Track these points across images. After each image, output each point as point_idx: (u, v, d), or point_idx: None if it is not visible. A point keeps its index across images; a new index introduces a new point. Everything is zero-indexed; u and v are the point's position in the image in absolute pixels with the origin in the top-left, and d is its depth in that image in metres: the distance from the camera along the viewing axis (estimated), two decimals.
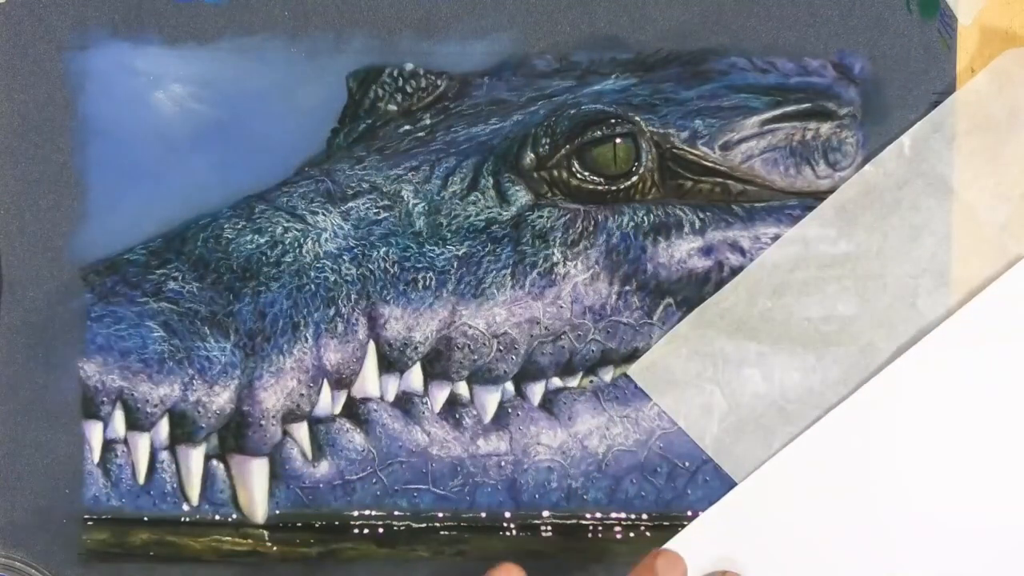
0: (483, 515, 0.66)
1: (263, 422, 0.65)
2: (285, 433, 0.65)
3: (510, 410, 0.66)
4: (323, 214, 0.65)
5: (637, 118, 0.65)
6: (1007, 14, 0.66)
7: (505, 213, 0.66)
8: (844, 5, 0.65)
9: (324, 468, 0.65)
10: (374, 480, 0.66)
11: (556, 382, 0.66)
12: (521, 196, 0.65)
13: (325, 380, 0.65)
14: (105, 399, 0.64)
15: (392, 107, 0.67)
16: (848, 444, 0.65)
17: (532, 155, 0.65)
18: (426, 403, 0.66)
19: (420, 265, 0.65)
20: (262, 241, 0.65)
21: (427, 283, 0.65)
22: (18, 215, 0.64)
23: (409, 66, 0.66)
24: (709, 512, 0.66)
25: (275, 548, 0.66)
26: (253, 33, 0.64)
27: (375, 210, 0.65)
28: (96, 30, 0.64)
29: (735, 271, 0.66)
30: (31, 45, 0.64)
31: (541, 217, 0.65)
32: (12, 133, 0.64)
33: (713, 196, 0.66)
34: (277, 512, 0.66)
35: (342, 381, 0.65)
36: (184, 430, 0.65)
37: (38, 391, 0.65)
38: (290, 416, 0.65)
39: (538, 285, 0.66)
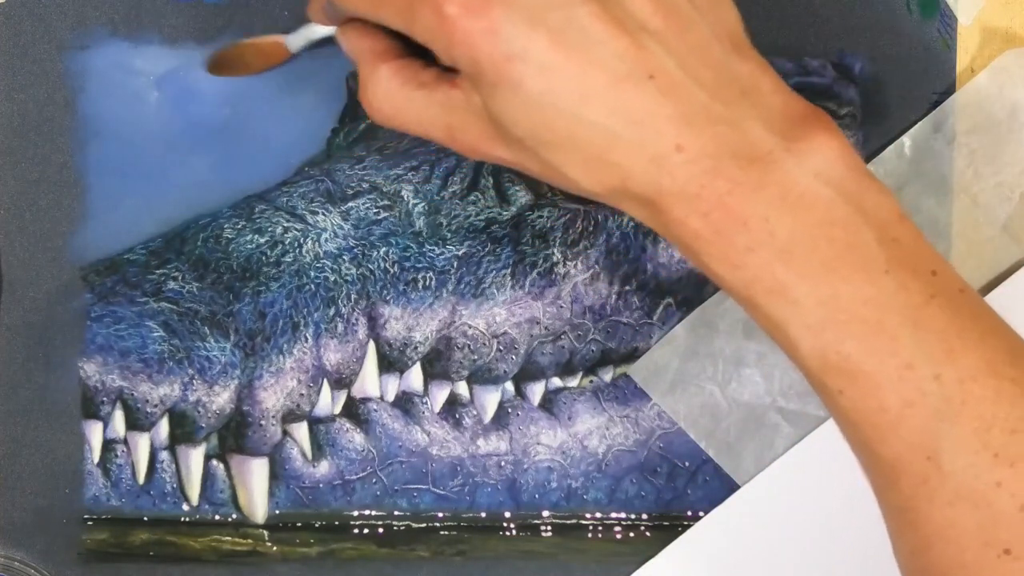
0: (483, 515, 0.66)
1: (263, 422, 0.65)
2: (285, 433, 0.65)
3: (510, 410, 0.66)
4: (323, 214, 0.65)
5: None
6: (1007, 14, 0.66)
7: (505, 213, 0.66)
8: (844, 5, 0.65)
9: (324, 468, 0.66)
10: (374, 480, 0.66)
11: (556, 382, 0.66)
12: (521, 196, 0.65)
13: (325, 380, 0.65)
14: (105, 399, 0.64)
15: None
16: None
17: None
18: (426, 403, 0.66)
19: (420, 265, 0.65)
20: (262, 241, 0.65)
21: (427, 283, 0.65)
22: (18, 215, 0.64)
23: None
24: (711, 515, 0.66)
25: (275, 548, 0.66)
26: (253, 33, 0.64)
27: (375, 210, 0.65)
28: (96, 30, 0.64)
29: None
30: (31, 45, 0.64)
31: (541, 217, 0.65)
32: (12, 133, 0.64)
33: None
34: (277, 512, 0.66)
35: (342, 381, 0.65)
36: (184, 430, 0.65)
37: (38, 391, 0.65)
38: (290, 416, 0.65)
39: (538, 285, 0.66)
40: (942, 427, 0.48)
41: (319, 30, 0.60)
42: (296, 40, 0.62)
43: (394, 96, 0.54)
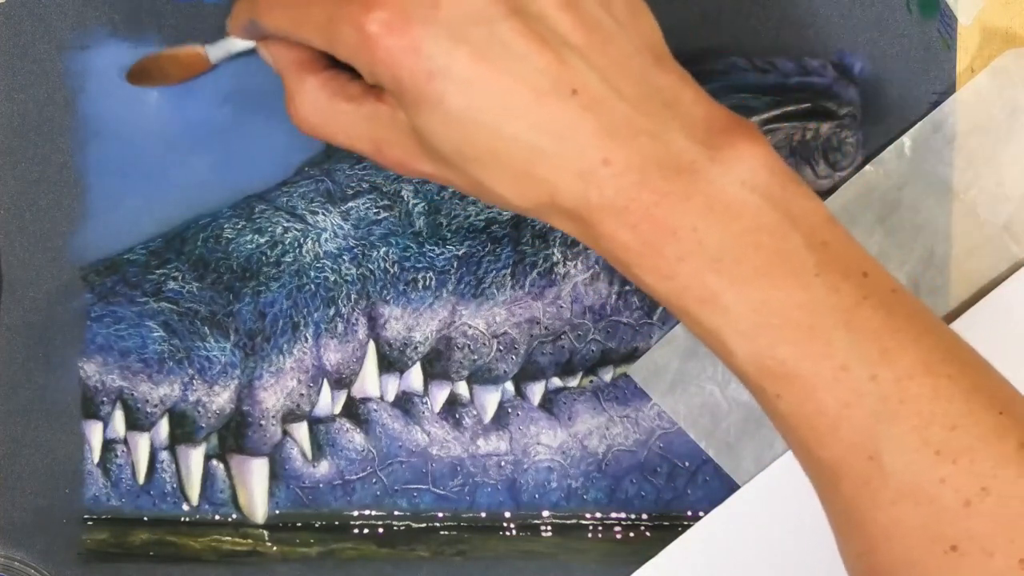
0: (483, 515, 0.66)
1: (263, 422, 0.65)
2: (285, 433, 0.65)
3: (510, 410, 0.66)
4: (323, 214, 0.65)
5: None
6: (1007, 14, 0.66)
7: (505, 213, 0.66)
8: (844, 5, 0.65)
9: (324, 468, 0.66)
10: (374, 480, 0.66)
11: (556, 382, 0.66)
12: None
13: (325, 380, 0.65)
14: (105, 399, 0.64)
15: None
16: None
17: None
18: (426, 403, 0.66)
19: (420, 265, 0.65)
20: (262, 241, 0.65)
21: (427, 283, 0.65)
22: (18, 215, 0.64)
23: None
24: (711, 515, 0.66)
25: (275, 548, 0.66)
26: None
27: (375, 210, 0.65)
28: (96, 30, 0.64)
29: None
30: (31, 45, 0.64)
31: None
32: (12, 133, 0.64)
33: None
34: (277, 512, 0.66)
35: (342, 381, 0.65)
36: (184, 430, 0.65)
37: (38, 391, 0.65)
38: (290, 416, 0.65)
39: (538, 285, 0.66)
40: (881, 427, 0.48)
41: (240, 43, 0.60)
42: (216, 51, 0.62)
43: (322, 108, 0.54)
